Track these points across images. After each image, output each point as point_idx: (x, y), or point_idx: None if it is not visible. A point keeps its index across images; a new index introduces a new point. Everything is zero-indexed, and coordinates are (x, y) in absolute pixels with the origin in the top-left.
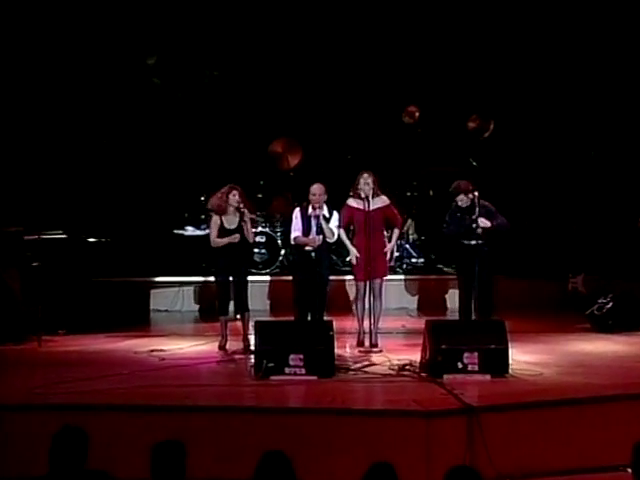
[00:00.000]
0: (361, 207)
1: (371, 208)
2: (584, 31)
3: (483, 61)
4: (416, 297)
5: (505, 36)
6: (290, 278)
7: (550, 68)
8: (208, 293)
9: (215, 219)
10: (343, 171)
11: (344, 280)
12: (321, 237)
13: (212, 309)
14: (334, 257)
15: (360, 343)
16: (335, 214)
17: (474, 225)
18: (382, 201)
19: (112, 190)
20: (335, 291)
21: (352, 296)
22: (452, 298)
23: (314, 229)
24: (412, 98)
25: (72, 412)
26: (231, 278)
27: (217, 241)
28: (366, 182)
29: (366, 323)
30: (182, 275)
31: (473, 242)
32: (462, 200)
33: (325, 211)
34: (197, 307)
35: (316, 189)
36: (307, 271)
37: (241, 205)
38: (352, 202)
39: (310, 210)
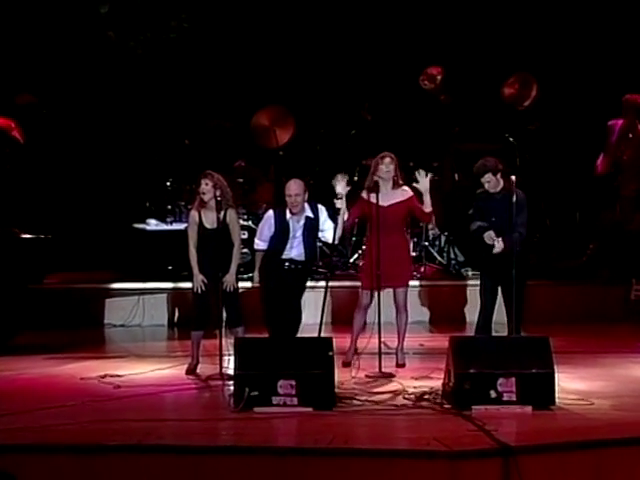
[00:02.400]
0: (380, 202)
1: (388, 203)
2: None
3: (523, 7)
4: (436, 308)
5: None
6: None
7: (608, 15)
8: (177, 303)
9: (193, 215)
10: (345, 150)
11: (350, 287)
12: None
13: (182, 323)
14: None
15: (347, 362)
16: (323, 210)
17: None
18: (404, 193)
19: (52, 173)
20: (337, 301)
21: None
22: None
23: (298, 237)
24: (433, 57)
25: (1, 455)
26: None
27: (191, 253)
28: (388, 169)
29: (374, 342)
30: (143, 281)
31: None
32: (490, 181)
33: (308, 211)
34: (162, 321)
35: (292, 188)
36: (283, 283)
37: (217, 193)
38: (369, 196)
39: (288, 215)
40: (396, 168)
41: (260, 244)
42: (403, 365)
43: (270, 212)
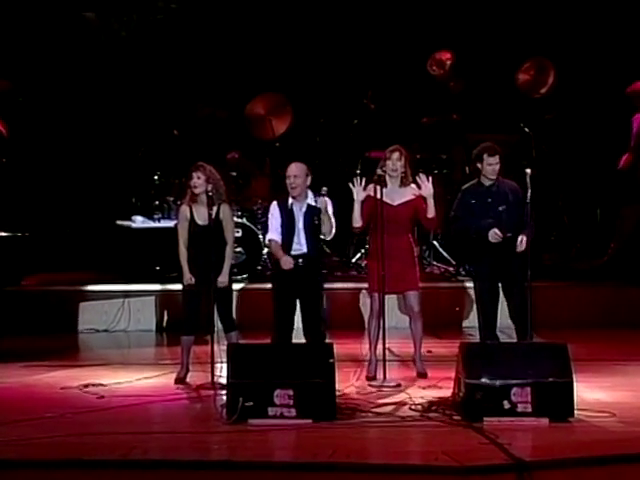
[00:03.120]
0: (387, 200)
1: (397, 202)
2: None
3: None
4: (445, 312)
5: None
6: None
7: None
8: (165, 306)
9: (183, 210)
10: (347, 142)
11: (352, 289)
12: (304, 247)
13: (171, 328)
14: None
15: (370, 375)
16: (328, 202)
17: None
18: (412, 191)
19: (29, 165)
20: (337, 304)
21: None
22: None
23: (300, 226)
24: (442, 41)
25: None
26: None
27: (181, 252)
28: (395, 166)
29: (379, 348)
30: (128, 282)
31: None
32: (497, 164)
33: (310, 199)
34: (149, 326)
35: (292, 169)
36: (290, 279)
37: (209, 188)
38: (375, 192)
39: (290, 200)
40: (406, 164)
41: (273, 235)
42: (425, 375)
43: (273, 203)
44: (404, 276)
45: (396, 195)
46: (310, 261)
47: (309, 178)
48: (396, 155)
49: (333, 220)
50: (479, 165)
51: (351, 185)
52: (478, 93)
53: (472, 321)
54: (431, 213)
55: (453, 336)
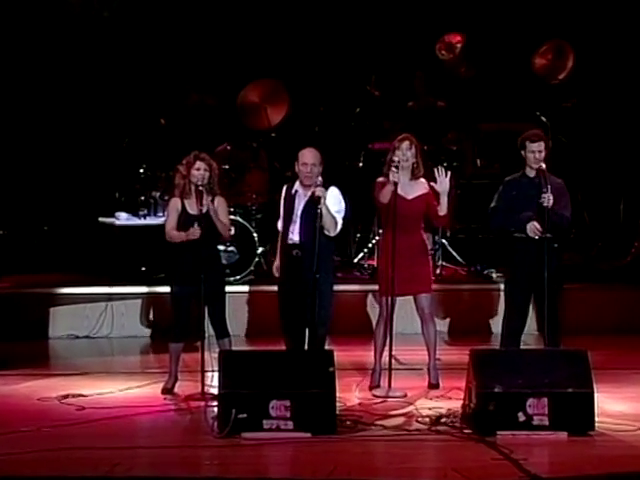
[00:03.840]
0: (401, 192)
1: (411, 196)
2: None
3: None
4: (453, 316)
5: None
6: (274, 288)
7: None
8: (152, 310)
9: (174, 202)
10: (349, 132)
11: (355, 292)
12: (296, 230)
13: (158, 334)
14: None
15: (374, 384)
16: (335, 194)
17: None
18: (424, 185)
19: (4, 158)
20: (338, 308)
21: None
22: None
23: (298, 213)
24: (452, 22)
25: None
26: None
27: (173, 234)
28: (405, 156)
29: (385, 355)
30: (111, 284)
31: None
32: (541, 152)
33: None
34: (134, 331)
35: (307, 156)
36: (293, 277)
37: (202, 182)
38: (387, 183)
39: (296, 186)
40: (417, 154)
41: (279, 224)
42: (437, 386)
43: (284, 187)
44: (416, 277)
45: (409, 188)
46: (307, 253)
47: (322, 166)
48: (406, 144)
49: (336, 215)
50: (522, 153)
51: (393, 169)
52: (491, 79)
53: (482, 327)
54: (443, 210)
55: (465, 342)
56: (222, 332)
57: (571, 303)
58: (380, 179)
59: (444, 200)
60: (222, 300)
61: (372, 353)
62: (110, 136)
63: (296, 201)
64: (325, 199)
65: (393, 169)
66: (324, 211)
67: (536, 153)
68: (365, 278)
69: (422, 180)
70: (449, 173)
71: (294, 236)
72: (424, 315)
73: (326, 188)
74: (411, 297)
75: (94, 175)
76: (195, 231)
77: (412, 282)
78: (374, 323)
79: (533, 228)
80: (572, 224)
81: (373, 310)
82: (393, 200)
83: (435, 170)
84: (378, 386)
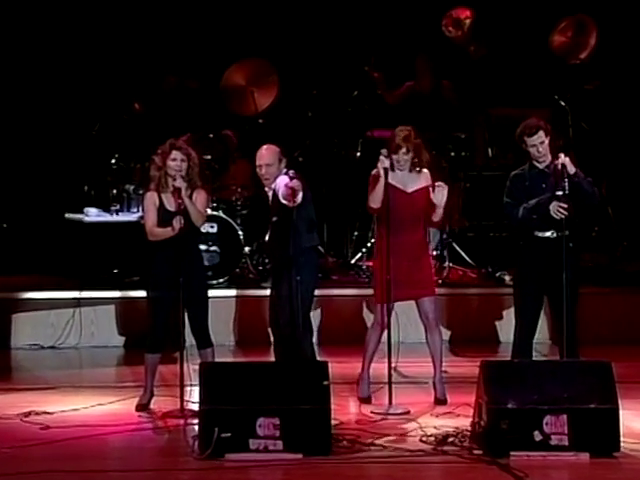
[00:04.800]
0: (400, 185)
1: (412, 188)
2: None
3: None
4: (461, 323)
5: None
6: (262, 293)
7: None
8: (125, 317)
9: (151, 196)
10: (345, 118)
11: (351, 296)
12: None
13: (132, 343)
14: None
15: (363, 397)
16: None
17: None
18: (425, 178)
19: None
20: (333, 315)
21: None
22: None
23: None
24: None
25: None
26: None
27: (156, 232)
28: (404, 153)
29: (384, 367)
30: (80, 288)
31: (549, 233)
32: (542, 143)
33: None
34: (106, 341)
35: (264, 157)
36: (277, 278)
37: (180, 174)
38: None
39: (283, 178)
40: (417, 145)
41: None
42: (444, 401)
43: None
44: (418, 279)
45: (409, 180)
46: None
47: (283, 163)
48: (405, 133)
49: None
50: (523, 147)
51: (382, 157)
52: (503, 59)
53: (493, 336)
54: (437, 217)
55: (475, 352)
56: (204, 341)
57: (593, 309)
58: (375, 171)
59: (439, 211)
60: (204, 306)
61: (366, 364)
62: (78, 122)
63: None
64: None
65: (382, 156)
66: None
67: (538, 147)
68: (363, 281)
69: (425, 171)
70: (447, 188)
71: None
72: (428, 321)
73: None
74: (413, 302)
75: (60, 166)
76: (174, 227)
77: (413, 285)
78: None
79: (557, 207)
80: (594, 221)
81: (371, 318)
82: (386, 194)
83: (434, 186)
84: (369, 398)
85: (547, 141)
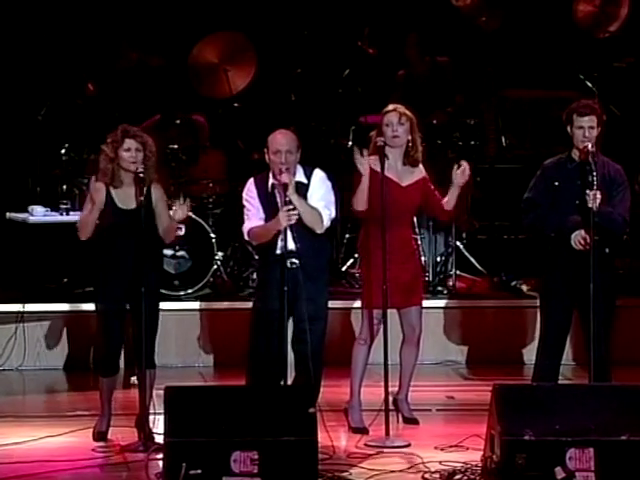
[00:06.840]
0: (394, 178)
1: (406, 182)
2: None
3: None
4: (471, 341)
5: None
6: (245, 305)
7: None
8: (76, 334)
9: (99, 187)
10: (335, 100)
11: (341, 309)
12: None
13: (84, 364)
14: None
15: (356, 427)
16: (323, 179)
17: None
18: (419, 172)
19: None
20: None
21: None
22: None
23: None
24: None
25: None
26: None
27: (83, 220)
28: (394, 131)
29: (379, 393)
30: (23, 301)
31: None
32: (592, 128)
33: (301, 176)
34: (54, 362)
35: (280, 141)
36: (278, 295)
37: (140, 168)
38: (376, 165)
39: (271, 179)
40: (411, 131)
41: (253, 223)
42: (415, 421)
43: (249, 181)
44: (407, 285)
45: (403, 173)
46: (304, 262)
47: (299, 152)
48: (394, 114)
49: (319, 204)
50: (569, 129)
51: (356, 155)
52: (520, 32)
53: (509, 356)
54: (450, 205)
55: (487, 375)
56: (148, 362)
57: (626, 323)
58: (365, 164)
59: (455, 194)
60: (156, 320)
61: (356, 387)
62: (21, 106)
63: (278, 198)
64: (293, 186)
65: (357, 155)
66: (297, 203)
67: (586, 130)
68: (355, 291)
69: (420, 166)
70: (471, 167)
71: (288, 243)
72: (413, 334)
73: (310, 172)
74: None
75: (1, 159)
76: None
77: (403, 291)
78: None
79: (578, 239)
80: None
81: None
82: (390, 186)
83: (457, 165)
84: (363, 428)
85: (596, 132)
